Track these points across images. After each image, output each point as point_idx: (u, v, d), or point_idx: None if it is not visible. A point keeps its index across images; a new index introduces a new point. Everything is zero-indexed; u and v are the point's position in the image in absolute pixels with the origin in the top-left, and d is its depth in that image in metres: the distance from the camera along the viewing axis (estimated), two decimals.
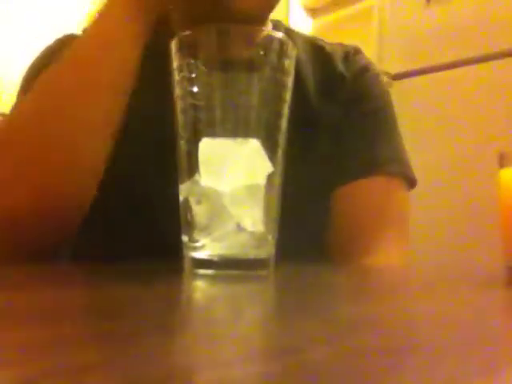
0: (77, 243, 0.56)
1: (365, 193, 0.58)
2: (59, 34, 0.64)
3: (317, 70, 0.61)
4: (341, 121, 0.59)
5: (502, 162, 0.41)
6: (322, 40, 0.67)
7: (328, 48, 0.64)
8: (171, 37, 0.38)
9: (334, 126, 0.59)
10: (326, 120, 0.59)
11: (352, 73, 0.61)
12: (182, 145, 0.37)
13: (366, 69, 0.63)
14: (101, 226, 0.54)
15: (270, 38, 0.38)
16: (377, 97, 0.63)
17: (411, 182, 0.61)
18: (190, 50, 0.37)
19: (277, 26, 0.64)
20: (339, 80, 0.61)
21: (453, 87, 1.47)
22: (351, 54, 0.63)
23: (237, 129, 0.36)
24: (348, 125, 0.59)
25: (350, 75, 0.61)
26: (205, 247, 0.35)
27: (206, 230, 0.35)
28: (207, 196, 0.35)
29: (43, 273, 0.39)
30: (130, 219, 0.53)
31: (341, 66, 0.61)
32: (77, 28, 0.62)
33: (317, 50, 0.63)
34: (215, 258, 0.35)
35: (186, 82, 0.37)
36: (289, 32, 0.64)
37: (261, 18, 0.57)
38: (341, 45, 0.66)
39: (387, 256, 0.57)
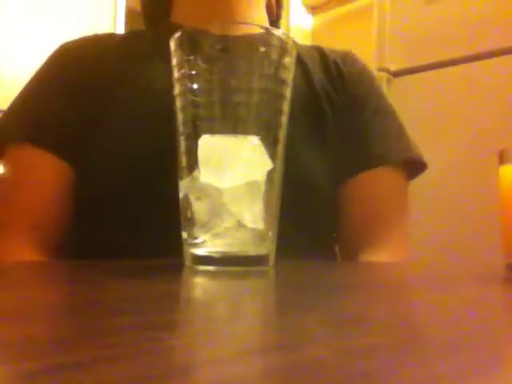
0: (78, 242, 0.57)
1: (371, 184, 0.60)
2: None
3: (320, 68, 0.64)
4: (344, 118, 0.61)
5: (502, 159, 0.41)
6: (322, 47, 0.70)
7: (327, 50, 0.67)
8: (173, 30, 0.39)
9: (339, 122, 0.61)
10: (332, 115, 0.61)
11: (351, 74, 0.64)
12: (182, 141, 0.37)
13: (363, 71, 0.66)
14: (101, 225, 0.54)
15: (271, 35, 0.38)
16: (377, 96, 0.65)
17: (422, 166, 0.62)
18: (189, 46, 0.37)
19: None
20: (339, 78, 0.63)
21: (453, 84, 1.47)
22: (349, 57, 0.66)
23: (237, 126, 0.36)
24: (352, 121, 0.61)
25: (349, 76, 0.64)
26: (205, 244, 0.35)
27: (206, 226, 0.35)
28: (207, 193, 0.35)
29: (44, 269, 0.40)
30: (131, 218, 0.53)
31: (340, 66, 0.64)
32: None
33: (318, 53, 0.66)
34: (215, 255, 0.35)
35: (185, 78, 0.37)
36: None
37: None
38: (338, 50, 0.69)
39: (394, 243, 0.59)
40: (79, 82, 0.58)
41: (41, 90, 0.60)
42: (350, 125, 0.61)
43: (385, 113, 0.64)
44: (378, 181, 0.60)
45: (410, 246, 0.61)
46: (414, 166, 0.62)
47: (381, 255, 0.57)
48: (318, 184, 0.58)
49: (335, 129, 0.61)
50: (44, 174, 0.56)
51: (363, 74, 0.66)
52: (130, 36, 0.67)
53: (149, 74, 0.58)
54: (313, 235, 0.57)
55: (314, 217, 0.58)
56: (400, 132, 0.63)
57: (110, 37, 0.67)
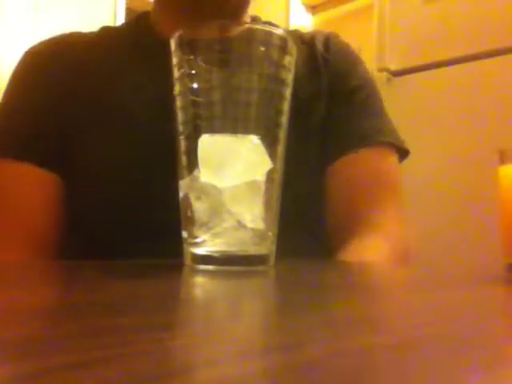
0: (76, 242, 0.56)
1: (358, 164, 0.59)
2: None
3: (300, 56, 0.62)
4: (328, 99, 0.61)
5: (502, 159, 0.41)
6: (301, 31, 0.69)
7: (307, 36, 0.65)
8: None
9: (323, 105, 0.60)
10: (315, 100, 0.60)
11: (333, 55, 0.63)
12: (182, 141, 0.37)
13: (345, 50, 0.65)
14: (101, 225, 0.54)
15: (271, 35, 0.38)
16: (360, 74, 0.64)
17: (404, 152, 0.62)
18: (189, 46, 0.37)
19: (255, 20, 0.66)
20: (322, 61, 0.62)
21: (452, 84, 1.47)
22: (331, 39, 0.65)
23: (237, 125, 0.36)
24: (335, 103, 0.61)
25: (332, 57, 0.63)
26: (205, 243, 0.35)
27: (206, 226, 0.35)
28: (207, 192, 0.35)
29: (44, 269, 0.40)
30: (131, 218, 0.53)
31: (322, 50, 0.63)
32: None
33: (297, 39, 0.64)
34: (215, 254, 0.35)
35: (185, 78, 0.37)
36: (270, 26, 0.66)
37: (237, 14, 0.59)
38: (319, 31, 0.68)
39: (388, 225, 0.57)
40: (53, 85, 0.57)
41: (17, 101, 0.58)
42: (335, 108, 0.60)
43: (370, 94, 0.63)
44: (365, 161, 0.59)
45: (408, 232, 0.59)
46: (399, 150, 0.61)
47: (372, 239, 0.54)
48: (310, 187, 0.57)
49: (320, 118, 0.59)
50: (29, 187, 0.55)
51: (345, 59, 0.64)
52: (104, 34, 0.63)
53: (133, 82, 0.56)
54: (313, 235, 0.57)
55: (314, 216, 0.58)
56: (384, 114, 0.62)
57: (80, 36, 0.62)
